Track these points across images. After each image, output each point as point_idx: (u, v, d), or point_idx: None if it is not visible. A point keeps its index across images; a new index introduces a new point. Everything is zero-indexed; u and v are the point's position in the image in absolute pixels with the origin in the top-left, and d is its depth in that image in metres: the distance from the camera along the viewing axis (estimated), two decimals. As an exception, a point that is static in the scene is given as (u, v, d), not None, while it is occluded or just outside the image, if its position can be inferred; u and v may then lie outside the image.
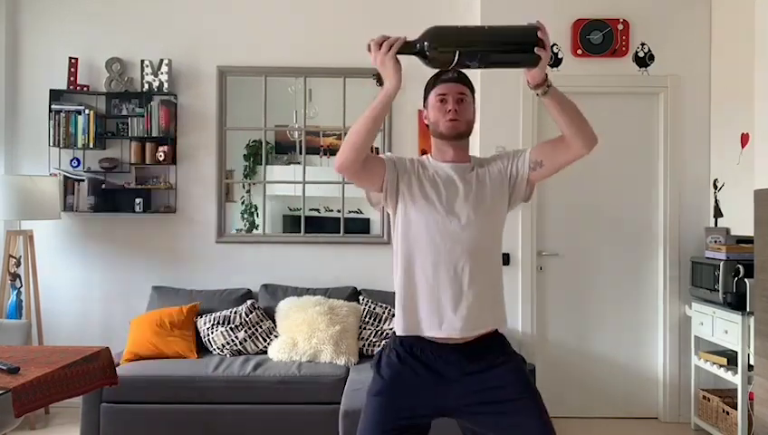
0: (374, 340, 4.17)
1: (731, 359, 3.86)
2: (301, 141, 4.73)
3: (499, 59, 2.18)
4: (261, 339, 4.15)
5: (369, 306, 4.26)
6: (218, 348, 4.10)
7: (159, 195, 4.64)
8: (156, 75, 4.54)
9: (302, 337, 4.01)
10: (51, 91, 4.51)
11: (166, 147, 4.52)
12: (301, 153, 4.72)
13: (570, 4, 4.43)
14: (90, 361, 2.82)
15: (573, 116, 2.20)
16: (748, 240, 3.73)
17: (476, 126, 4.72)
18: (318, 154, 4.79)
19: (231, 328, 4.14)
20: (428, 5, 4.64)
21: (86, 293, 4.65)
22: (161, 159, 4.51)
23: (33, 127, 4.63)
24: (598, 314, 4.51)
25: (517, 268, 4.42)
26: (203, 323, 4.17)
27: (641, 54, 4.44)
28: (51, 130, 4.49)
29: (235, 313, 4.21)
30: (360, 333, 4.18)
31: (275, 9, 4.67)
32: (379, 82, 4.58)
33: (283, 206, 4.89)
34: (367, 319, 4.22)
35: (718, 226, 4.29)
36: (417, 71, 4.88)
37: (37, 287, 4.42)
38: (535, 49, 2.07)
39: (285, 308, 4.23)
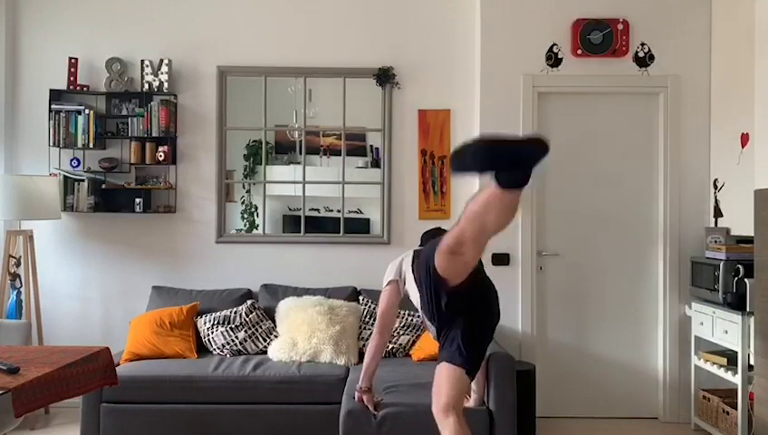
0: (374, 340, 4.17)
1: (731, 359, 3.86)
2: (301, 141, 4.73)
3: None
4: (261, 339, 4.15)
5: (369, 306, 4.26)
6: (218, 348, 4.10)
7: (159, 195, 4.64)
8: (156, 75, 4.54)
9: (301, 337, 4.01)
10: (51, 91, 4.51)
11: (166, 147, 4.52)
12: (301, 153, 4.72)
13: (570, 4, 4.43)
14: (90, 361, 2.82)
15: None
16: (748, 240, 3.72)
17: (476, 127, 4.76)
18: (318, 154, 4.79)
19: (231, 328, 4.14)
20: (428, 5, 4.64)
21: (86, 293, 4.65)
22: (161, 159, 4.51)
23: (33, 127, 4.63)
24: (598, 314, 4.51)
25: (517, 268, 4.42)
26: (203, 323, 4.18)
27: (641, 54, 4.44)
28: (51, 130, 4.49)
29: (235, 313, 4.21)
30: (360, 333, 4.18)
31: (275, 9, 4.67)
32: (379, 82, 4.59)
33: (283, 206, 4.89)
34: (367, 319, 4.22)
35: (718, 226, 4.29)
36: (416, 70, 4.89)
37: (37, 287, 4.41)
38: None
39: (285, 308, 4.23)
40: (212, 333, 4.14)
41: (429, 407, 3.29)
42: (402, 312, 4.20)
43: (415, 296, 3.05)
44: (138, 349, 4.01)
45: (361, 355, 4.10)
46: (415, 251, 3.16)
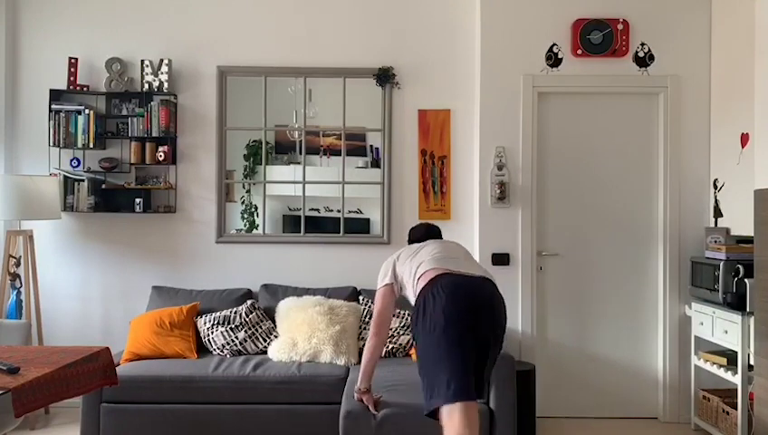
0: (374, 340, 4.17)
1: (731, 359, 3.86)
2: (301, 141, 4.73)
3: None
4: (261, 339, 4.15)
5: (369, 306, 4.26)
6: (218, 348, 4.10)
7: (159, 195, 4.64)
8: (156, 75, 4.54)
9: (301, 337, 4.01)
10: (51, 91, 4.51)
11: (166, 147, 4.52)
12: (301, 153, 4.72)
13: (570, 4, 4.43)
14: (90, 361, 2.82)
15: None
16: (748, 240, 3.73)
17: (476, 127, 4.77)
18: (318, 154, 4.79)
19: (231, 328, 4.14)
20: (428, 5, 4.64)
21: (86, 293, 4.65)
22: (161, 159, 4.51)
23: (33, 127, 4.63)
24: (598, 314, 4.51)
25: (517, 268, 4.42)
26: (203, 324, 4.18)
27: (641, 54, 4.44)
28: (51, 130, 4.49)
29: (235, 313, 4.21)
30: (360, 334, 4.18)
31: (275, 9, 4.67)
32: (379, 82, 4.59)
33: (283, 206, 4.89)
34: (367, 319, 4.22)
35: (718, 226, 4.29)
36: (416, 70, 4.90)
37: (37, 287, 4.41)
38: None
39: (285, 308, 4.22)
40: (212, 333, 4.14)
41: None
42: (402, 312, 4.20)
43: (413, 299, 3.05)
44: (138, 349, 4.01)
45: (361, 355, 4.10)
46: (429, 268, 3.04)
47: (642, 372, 4.49)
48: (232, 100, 4.67)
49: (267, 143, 4.73)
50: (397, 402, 3.35)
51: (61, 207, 4.46)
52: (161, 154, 4.50)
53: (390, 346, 4.12)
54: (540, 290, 4.49)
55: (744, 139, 4.01)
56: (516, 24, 4.44)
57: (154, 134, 4.52)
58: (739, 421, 3.70)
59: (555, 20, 4.43)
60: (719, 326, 3.88)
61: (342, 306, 4.20)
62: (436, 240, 3.34)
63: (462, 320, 2.75)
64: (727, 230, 4.14)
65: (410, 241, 3.46)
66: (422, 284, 2.92)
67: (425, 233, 3.43)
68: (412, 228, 3.56)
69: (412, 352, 4.10)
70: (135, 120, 4.55)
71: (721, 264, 3.85)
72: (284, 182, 4.83)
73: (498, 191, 4.40)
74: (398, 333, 4.17)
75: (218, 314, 4.21)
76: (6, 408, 2.29)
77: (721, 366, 3.94)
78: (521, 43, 4.43)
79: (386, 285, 3.21)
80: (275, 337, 4.15)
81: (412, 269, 3.04)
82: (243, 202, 4.80)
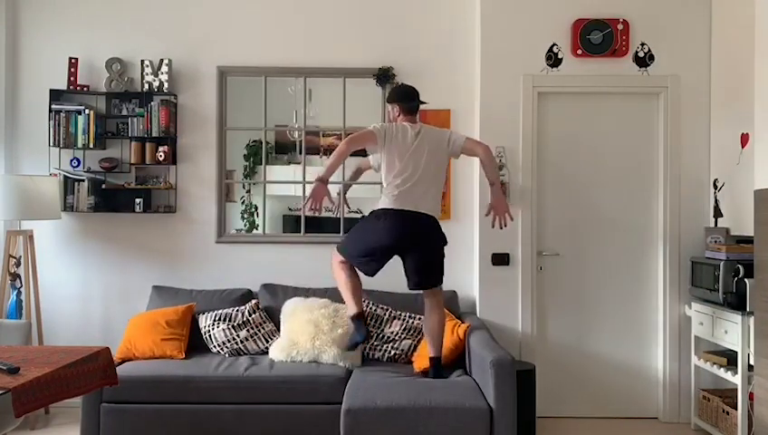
0: (375, 343, 4.16)
1: (731, 359, 3.86)
2: (301, 141, 4.73)
3: None
4: (263, 339, 4.15)
5: (371, 308, 4.25)
6: (218, 345, 4.10)
7: (159, 195, 4.64)
8: (156, 75, 4.54)
9: (304, 338, 4.00)
10: (51, 91, 4.51)
11: (166, 147, 4.52)
12: (301, 153, 4.72)
13: (570, 4, 4.43)
14: (90, 361, 2.82)
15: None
16: (748, 240, 3.73)
17: (476, 127, 4.75)
18: (318, 154, 4.79)
19: (233, 326, 4.13)
20: (429, 5, 4.64)
21: (86, 292, 4.65)
22: (161, 159, 4.51)
23: (33, 127, 4.63)
24: (598, 314, 4.51)
25: (517, 268, 4.42)
26: (204, 319, 4.18)
27: (641, 54, 4.44)
28: (51, 130, 4.49)
29: (238, 310, 4.21)
30: (361, 334, 4.17)
31: (275, 9, 4.68)
32: (379, 82, 4.59)
33: (283, 206, 4.89)
34: (369, 320, 4.21)
35: (718, 226, 4.29)
36: (416, 70, 4.89)
37: (37, 287, 4.42)
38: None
39: (291, 309, 4.19)
40: (213, 328, 4.13)
41: (430, 406, 3.30)
42: (403, 314, 4.21)
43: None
44: (128, 348, 4.00)
45: (364, 358, 4.10)
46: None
47: (642, 372, 4.49)
48: (232, 100, 4.67)
49: (267, 143, 4.73)
50: (397, 402, 3.34)
51: (61, 207, 4.46)
52: (161, 154, 4.51)
53: (393, 352, 4.11)
54: (540, 290, 4.49)
55: (744, 139, 4.02)
56: (516, 24, 4.44)
57: (154, 134, 4.53)
58: (739, 421, 3.70)
59: (555, 20, 4.43)
60: (719, 326, 3.88)
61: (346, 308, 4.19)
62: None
63: None
64: (727, 230, 4.14)
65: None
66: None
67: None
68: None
69: (414, 357, 4.09)
70: (135, 120, 4.55)
71: (721, 264, 3.85)
72: (284, 182, 4.83)
73: (498, 191, 4.39)
74: (400, 337, 4.16)
75: (221, 311, 4.21)
76: (6, 408, 2.29)
77: (721, 366, 3.94)
78: (521, 43, 4.43)
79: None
80: (277, 338, 4.14)
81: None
82: (243, 202, 4.80)
